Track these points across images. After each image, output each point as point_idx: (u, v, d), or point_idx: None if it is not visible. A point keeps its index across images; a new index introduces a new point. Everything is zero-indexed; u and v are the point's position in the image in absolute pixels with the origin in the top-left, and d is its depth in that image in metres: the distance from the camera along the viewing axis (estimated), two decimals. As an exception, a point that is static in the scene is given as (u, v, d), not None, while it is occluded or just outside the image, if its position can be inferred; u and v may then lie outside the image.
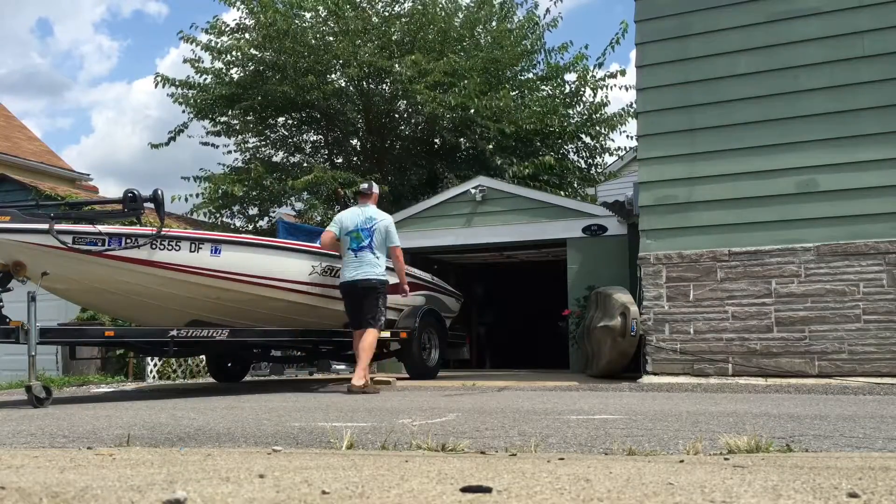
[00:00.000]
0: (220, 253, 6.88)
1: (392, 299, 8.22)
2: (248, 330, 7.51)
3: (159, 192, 6.44)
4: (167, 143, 14.82)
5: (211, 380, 10.40)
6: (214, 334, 6.95)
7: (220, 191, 13.55)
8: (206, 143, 15.29)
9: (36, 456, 2.56)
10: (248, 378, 10.52)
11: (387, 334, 8.08)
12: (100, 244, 6.26)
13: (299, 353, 9.66)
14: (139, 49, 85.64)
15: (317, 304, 7.75)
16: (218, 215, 14.38)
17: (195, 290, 6.87)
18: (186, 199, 14.13)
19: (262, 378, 10.61)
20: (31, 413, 5.39)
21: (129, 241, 6.40)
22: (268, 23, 13.37)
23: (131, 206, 6.45)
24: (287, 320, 7.70)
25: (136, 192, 6.45)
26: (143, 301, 6.84)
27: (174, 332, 6.66)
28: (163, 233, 6.53)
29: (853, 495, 1.61)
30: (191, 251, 6.69)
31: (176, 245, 6.62)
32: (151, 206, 6.60)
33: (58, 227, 6.07)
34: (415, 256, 12.01)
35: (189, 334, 6.80)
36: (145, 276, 6.56)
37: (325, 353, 9.52)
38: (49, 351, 11.59)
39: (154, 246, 6.48)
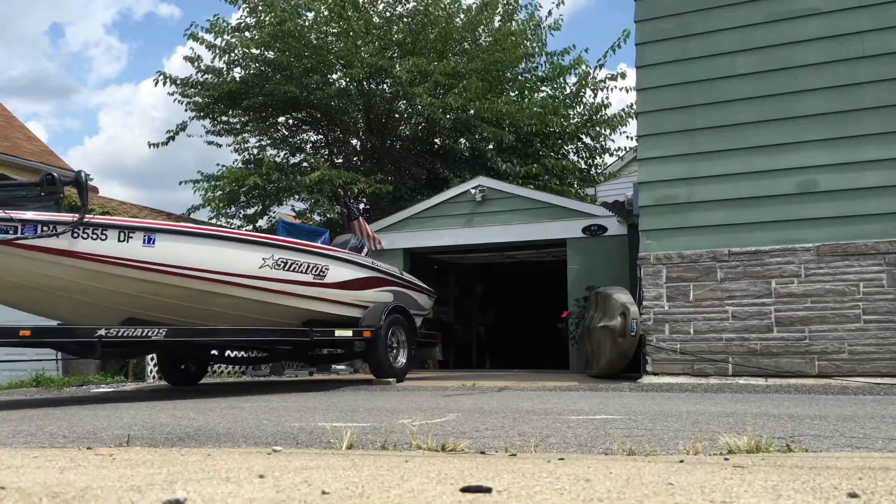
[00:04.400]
0: (153, 243, 6.28)
1: (357, 295, 8.01)
2: (190, 329, 6.93)
3: (82, 174, 5.90)
4: (166, 143, 14.81)
5: (211, 380, 10.39)
6: (150, 334, 6.36)
7: (235, 184, 13.48)
8: (210, 143, 15.29)
9: (36, 456, 2.56)
10: (247, 378, 10.51)
11: (348, 333, 7.75)
12: (11, 232, 5.61)
13: (261, 353, 9.14)
14: (148, 51, 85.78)
15: (269, 300, 7.21)
16: (227, 211, 14.33)
17: (128, 285, 6.27)
18: (202, 196, 14.00)
19: (262, 378, 10.61)
20: (31, 413, 5.39)
21: (45, 228, 5.73)
22: (276, 22, 13.38)
23: (49, 189, 5.83)
24: (239, 318, 7.19)
25: (54, 175, 5.88)
26: (69, 297, 6.24)
27: (102, 332, 6.07)
28: (86, 220, 5.88)
29: (853, 495, 1.61)
30: (119, 241, 6.10)
31: (102, 234, 6.00)
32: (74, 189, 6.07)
33: None
34: (414, 256, 12.02)
35: (120, 334, 6.20)
36: (67, 269, 5.94)
37: (285, 353, 9.05)
38: (49, 351, 11.59)
39: (76, 234, 5.84)
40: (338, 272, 7.81)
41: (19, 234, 5.61)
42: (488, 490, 1.70)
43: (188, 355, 8.57)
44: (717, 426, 3.68)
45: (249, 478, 1.90)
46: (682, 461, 2.34)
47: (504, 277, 16.42)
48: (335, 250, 8.17)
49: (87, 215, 5.92)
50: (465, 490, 1.71)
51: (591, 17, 64.67)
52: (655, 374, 7.34)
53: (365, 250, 9.02)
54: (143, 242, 6.22)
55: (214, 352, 8.68)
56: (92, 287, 6.14)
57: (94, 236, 5.95)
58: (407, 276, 9.57)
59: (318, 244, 8.20)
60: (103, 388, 8.72)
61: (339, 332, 7.73)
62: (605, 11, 62.28)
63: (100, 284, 6.15)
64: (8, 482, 1.76)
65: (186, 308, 6.77)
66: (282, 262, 7.19)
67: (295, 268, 7.32)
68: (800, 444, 2.97)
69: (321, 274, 7.60)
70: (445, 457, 2.54)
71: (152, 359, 10.12)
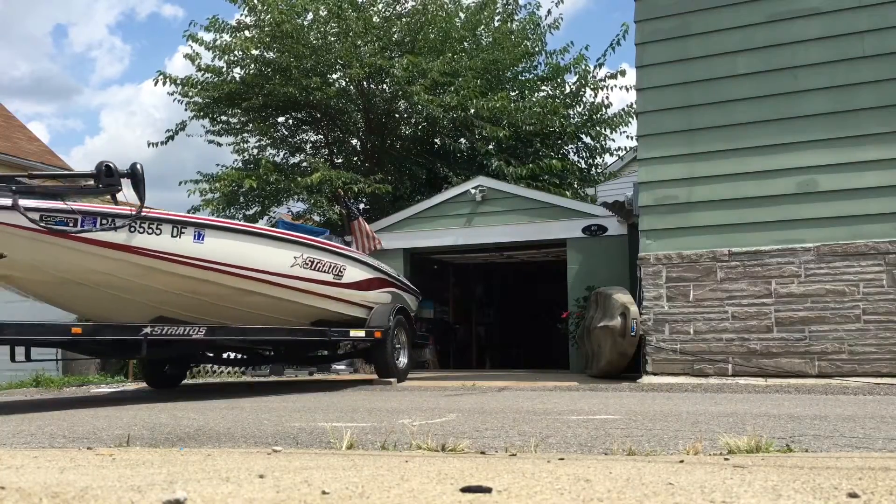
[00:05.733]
0: (202, 239, 6.07)
1: (364, 296, 7.94)
2: (228, 328, 6.77)
3: (138, 166, 5.68)
4: (165, 142, 14.81)
5: (212, 380, 10.40)
6: (191, 332, 6.15)
7: (233, 185, 13.48)
8: (211, 142, 15.29)
9: (36, 456, 2.56)
10: (247, 378, 10.51)
11: (361, 334, 7.68)
12: (72, 224, 5.33)
13: (267, 352, 8.82)
14: (151, 51, 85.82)
15: (296, 298, 7.10)
16: (228, 212, 14.32)
17: (173, 282, 6.05)
18: (201, 196, 13.98)
19: (262, 378, 10.61)
20: (31, 413, 5.39)
21: (105, 221, 5.46)
22: (274, 23, 13.38)
23: (107, 180, 5.51)
24: (260, 317, 7.01)
25: (112, 165, 5.58)
26: (110, 293, 5.95)
27: (147, 330, 5.84)
28: (143, 213, 5.67)
29: (853, 495, 1.61)
30: (172, 236, 5.86)
31: (157, 228, 5.75)
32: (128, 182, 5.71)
33: (23, 202, 5.19)
34: (414, 256, 12.02)
35: (164, 333, 5.95)
36: (120, 265, 5.67)
37: (289, 354, 8.73)
38: (49, 351, 11.58)
39: (133, 229, 5.61)
40: (352, 272, 7.78)
41: (81, 227, 5.34)
42: (488, 490, 1.70)
43: (177, 357, 8.09)
44: (717, 426, 3.68)
45: (249, 478, 1.90)
46: (682, 461, 2.34)
47: (504, 277, 16.42)
48: (350, 250, 8.14)
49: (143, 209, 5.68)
50: (465, 490, 1.71)
51: (590, 17, 64.72)
52: (655, 374, 7.34)
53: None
54: (194, 238, 6.01)
55: (210, 353, 8.48)
56: (137, 284, 5.88)
57: (150, 231, 5.71)
58: (400, 276, 9.57)
59: (339, 244, 8.17)
60: (103, 389, 8.71)
61: (353, 332, 7.66)
62: (604, 12, 62.32)
63: (146, 281, 5.89)
64: (8, 482, 1.76)
65: (217, 307, 6.56)
66: (309, 261, 7.11)
67: (319, 267, 7.24)
68: (800, 445, 2.97)
69: (339, 274, 7.54)
70: (445, 457, 2.54)
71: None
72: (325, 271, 7.34)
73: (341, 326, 7.66)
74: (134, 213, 5.61)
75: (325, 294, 7.39)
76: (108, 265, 5.60)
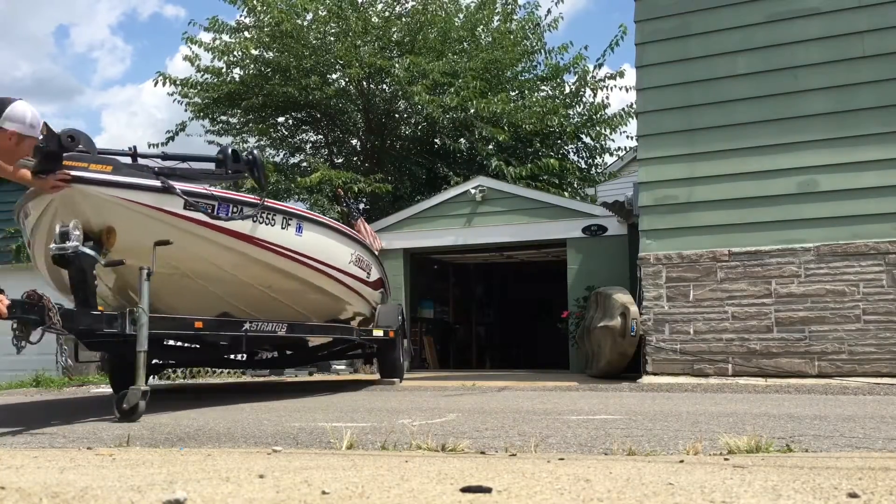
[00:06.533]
0: (302, 232, 5.75)
1: (374, 295, 7.71)
2: (303, 325, 6.47)
3: (258, 151, 5.44)
4: (166, 143, 14.80)
5: (212, 380, 10.40)
6: (276, 329, 5.83)
7: (232, 186, 13.48)
8: (211, 142, 15.30)
9: (36, 456, 2.56)
10: (247, 378, 10.51)
11: (380, 333, 7.56)
12: (210, 211, 4.92)
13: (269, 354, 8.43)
14: (152, 52, 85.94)
15: (342, 296, 6.85)
16: None
17: (261, 275, 5.67)
18: None
19: (262, 378, 10.61)
20: (31, 413, 5.39)
21: (235, 209, 5.07)
22: (274, 23, 13.39)
23: (234, 166, 5.16)
24: (299, 314, 6.61)
25: (237, 150, 5.28)
26: (198, 287, 5.49)
27: (247, 326, 5.50)
28: (265, 203, 5.32)
29: (853, 495, 1.61)
30: (282, 227, 5.52)
31: (272, 219, 5.42)
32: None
33: (177, 185, 4.76)
34: (414, 256, 12.02)
35: (258, 329, 5.62)
36: (236, 256, 5.29)
37: (289, 357, 8.34)
38: (49, 350, 11.59)
39: (256, 219, 5.26)
40: (374, 271, 7.65)
41: (216, 214, 4.94)
42: (488, 490, 1.70)
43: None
44: (717, 426, 3.68)
45: (249, 478, 1.90)
46: (682, 461, 2.34)
47: (504, 277, 16.42)
48: (374, 249, 7.96)
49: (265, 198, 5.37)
50: (465, 490, 1.71)
51: (589, 17, 64.66)
52: (655, 374, 7.34)
53: None
54: (296, 231, 5.70)
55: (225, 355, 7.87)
56: (230, 275, 5.47)
57: (267, 221, 5.38)
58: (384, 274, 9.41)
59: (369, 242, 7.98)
60: (103, 389, 8.71)
61: (375, 332, 7.53)
62: (603, 13, 62.26)
63: (242, 273, 5.49)
64: (8, 482, 1.76)
65: (274, 303, 6.15)
66: (357, 258, 6.92)
67: (360, 265, 7.06)
68: (800, 445, 2.97)
69: (369, 272, 7.38)
70: (445, 457, 2.54)
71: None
72: (363, 268, 7.15)
73: (348, 324, 7.50)
74: (259, 201, 5.29)
75: (359, 292, 7.19)
76: (224, 257, 5.24)
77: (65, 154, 4.25)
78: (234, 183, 5.44)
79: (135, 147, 5.18)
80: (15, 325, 3.96)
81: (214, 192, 5.03)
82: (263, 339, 6.22)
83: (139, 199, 4.56)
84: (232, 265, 5.35)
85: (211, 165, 5.35)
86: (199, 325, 5.17)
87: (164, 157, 5.46)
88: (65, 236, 4.22)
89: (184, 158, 5.52)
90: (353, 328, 7.21)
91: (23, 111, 3.84)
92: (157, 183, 4.66)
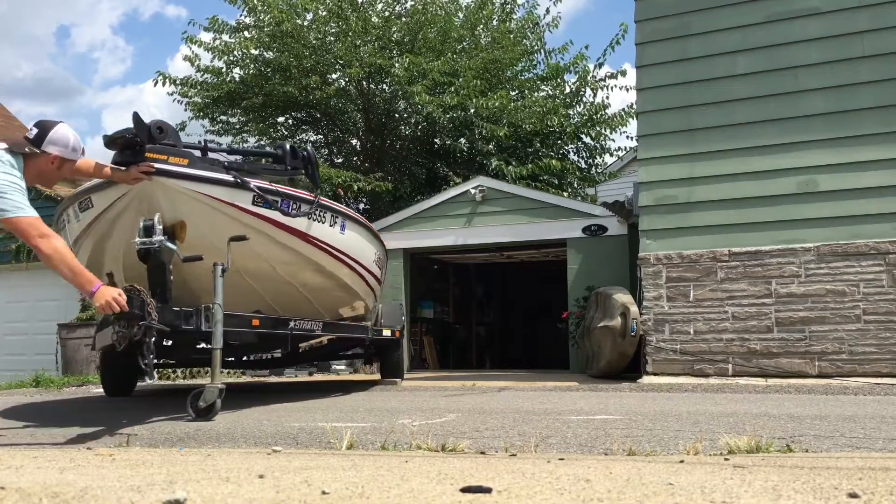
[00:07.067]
0: (345, 230, 5.68)
1: (379, 293, 7.55)
2: (336, 324, 6.40)
3: (311, 149, 5.31)
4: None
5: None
6: (314, 328, 5.76)
7: None
8: (211, 142, 15.28)
9: (36, 456, 2.55)
10: (247, 378, 10.51)
11: (388, 333, 7.44)
12: (273, 207, 4.84)
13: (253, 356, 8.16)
14: (154, 52, 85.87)
15: (360, 293, 6.65)
16: None
17: (305, 273, 5.56)
18: None
19: (262, 379, 10.60)
20: (31, 413, 5.39)
21: (295, 205, 4.99)
22: (274, 22, 13.40)
23: (293, 162, 5.13)
24: (310, 311, 6.28)
25: (296, 147, 5.25)
26: (245, 286, 5.25)
27: (293, 324, 5.43)
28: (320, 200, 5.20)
29: (853, 495, 1.61)
30: (330, 225, 5.44)
31: (322, 216, 5.31)
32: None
33: (252, 181, 4.70)
34: (414, 256, 12.02)
35: (301, 327, 5.54)
36: (289, 254, 5.19)
37: (301, 355, 7.91)
38: (49, 350, 11.62)
39: (311, 216, 5.17)
40: (382, 271, 7.52)
41: (278, 210, 4.86)
42: (488, 490, 1.70)
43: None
44: (718, 426, 3.68)
45: (249, 478, 1.90)
46: (682, 461, 2.34)
47: (504, 277, 16.42)
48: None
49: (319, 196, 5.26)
50: (465, 490, 1.71)
51: (589, 18, 64.64)
52: (655, 374, 7.34)
53: None
54: (340, 229, 5.62)
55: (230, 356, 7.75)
56: (279, 274, 5.32)
57: (319, 219, 5.27)
58: None
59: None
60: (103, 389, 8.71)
61: (385, 332, 7.42)
62: (603, 13, 62.24)
63: (290, 271, 5.36)
64: (8, 482, 1.76)
65: (303, 300, 5.94)
66: (378, 257, 6.84)
67: (379, 264, 7.00)
68: (800, 445, 2.97)
69: (383, 271, 7.31)
70: (445, 457, 2.54)
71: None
72: (380, 267, 7.09)
73: (364, 324, 7.29)
74: (314, 198, 5.19)
75: (373, 291, 7.09)
76: (280, 254, 5.13)
77: (148, 146, 4.23)
78: (291, 179, 5.33)
79: (205, 141, 5.15)
80: (119, 323, 3.91)
81: (279, 189, 4.95)
82: (303, 338, 6.11)
83: (213, 194, 4.51)
84: (284, 263, 5.26)
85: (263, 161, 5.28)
86: (255, 322, 5.09)
87: (230, 151, 5.36)
88: (149, 230, 4.18)
89: (246, 154, 5.39)
90: (367, 327, 7.11)
91: (65, 134, 3.85)
92: (230, 178, 4.61)
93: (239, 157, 5.42)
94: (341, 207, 5.95)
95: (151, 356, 3.93)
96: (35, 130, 3.81)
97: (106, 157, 4.57)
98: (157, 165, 4.24)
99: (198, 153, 4.82)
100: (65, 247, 3.65)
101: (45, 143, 3.78)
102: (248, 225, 4.72)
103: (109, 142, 4.32)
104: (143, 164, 4.23)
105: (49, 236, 3.59)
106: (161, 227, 4.20)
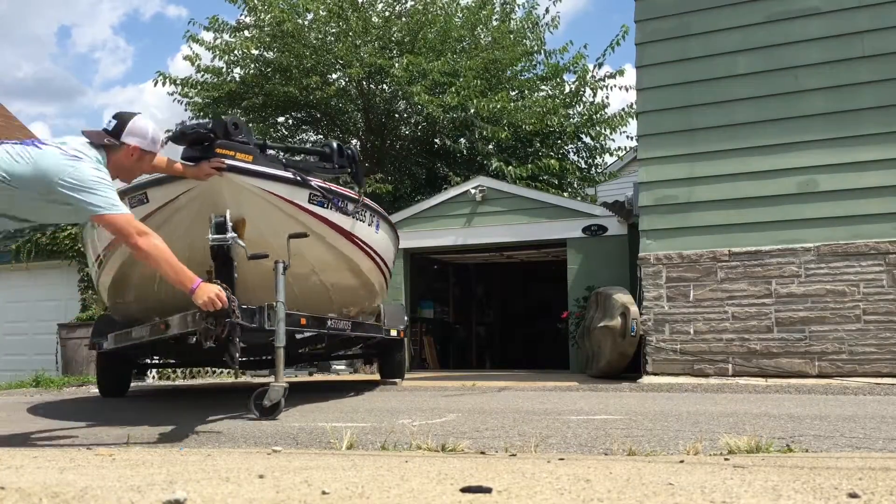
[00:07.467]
0: (378, 229, 5.60)
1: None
2: (362, 324, 6.32)
3: (355, 147, 5.19)
4: (165, 143, 14.77)
5: (211, 380, 10.40)
6: (344, 328, 5.65)
7: None
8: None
9: (36, 456, 2.55)
10: (246, 378, 10.51)
11: (394, 333, 7.28)
12: (326, 206, 4.76)
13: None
14: (154, 52, 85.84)
15: (378, 291, 6.50)
16: None
17: (341, 272, 5.43)
18: None
19: (262, 379, 10.60)
20: (31, 413, 5.39)
21: (342, 204, 4.93)
22: (274, 22, 13.40)
23: (340, 160, 5.03)
24: (327, 306, 5.98)
25: (341, 145, 5.15)
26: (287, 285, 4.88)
27: (330, 323, 5.33)
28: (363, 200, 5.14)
29: (853, 495, 1.61)
30: (368, 224, 5.35)
31: (362, 215, 5.23)
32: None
33: (313, 180, 4.65)
34: (414, 256, 12.02)
35: (336, 326, 5.43)
36: (333, 253, 5.09)
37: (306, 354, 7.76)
38: (49, 350, 11.62)
39: (356, 216, 5.12)
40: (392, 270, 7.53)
41: (344, 209, 4.85)
42: (488, 490, 1.70)
43: (131, 361, 6.98)
44: (718, 426, 3.68)
45: (249, 478, 1.90)
46: (682, 461, 2.33)
47: (504, 277, 16.42)
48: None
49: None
50: (465, 490, 1.71)
51: (589, 18, 64.58)
52: (655, 374, 7.34)
53: None
54: (375, 228, 5.53)
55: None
56: (314, 273, 5.17)
57: (362, 218, 5.21)
58: None
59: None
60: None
61: (392, 332, 7.29)
62: (602, 14, 62.21)
63: (328, 269, 5.22)
64: (8, 482, 1.76)
65: (326, 298, 5.71)
66: (394, 255, 6.72)
67: (393, 261, 6.88)
68: (800, 445, 2.97)
69: (390, 271, 7.10)
70: (445, 457, 2.54)
71: (151, 358, 9.54)
72: (393, 264, 6.93)
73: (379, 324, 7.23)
74: (359, 197, 5.12)
75: (385, 290, 6.95)
76: (325, 253, 5.03)
77: (218, 142, 4.17)
78: (336, 178, 5.27)
79: (263, 138, 5.00)
80: (208, 320, 3.82)
81: (332, 187, 4.89)
82: (335, 337, 5.96)
83: (275, 191, 4.45)
84: (326, 261, 5.16)
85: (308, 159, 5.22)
86: (303, 321, 4.96)
87: (286, 149, 5.24)
88: (221, 227, 4.12)
89: (298, 151, 5.09)
90: (381, 327, 7.02)
91: (144, 126, 3.65)
92: (291, 175, 4.54)
93: (287, 155, 5.31)
94: (377, 206, 5.87)
95: (237, 352, 3.92)
96: (113, 122, 3.61)
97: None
98: (229, 162, 4.18)
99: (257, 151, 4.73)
100: (164, 244, 3.47)
101: (124, 134, 3.57)
102: (303, 223, 4.65)
103: (179, 136, 4.23)
104: (214, 159, 4.14)
105: (148, 234, 3.41)
106: (231, 223, 4.14)
